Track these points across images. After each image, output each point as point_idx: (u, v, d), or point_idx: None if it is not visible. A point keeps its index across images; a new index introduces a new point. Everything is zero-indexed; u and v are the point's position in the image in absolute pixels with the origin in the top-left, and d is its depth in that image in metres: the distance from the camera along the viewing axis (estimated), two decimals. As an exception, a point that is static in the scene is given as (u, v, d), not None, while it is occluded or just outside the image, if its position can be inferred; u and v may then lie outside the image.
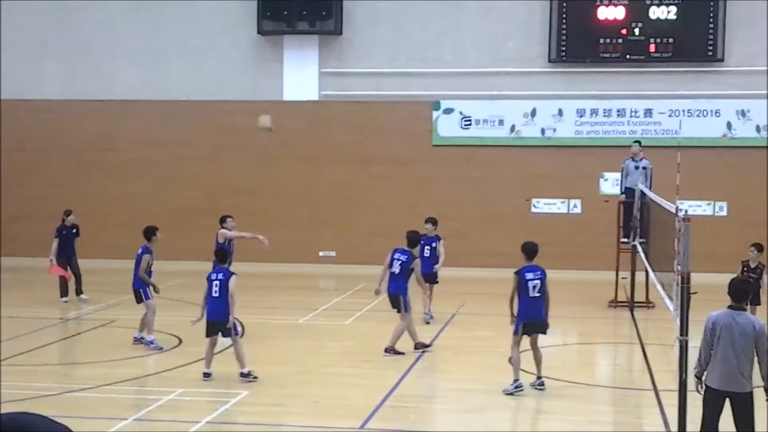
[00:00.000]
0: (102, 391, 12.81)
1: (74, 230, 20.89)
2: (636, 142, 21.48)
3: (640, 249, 19.26)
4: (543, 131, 25.49)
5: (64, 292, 20.42)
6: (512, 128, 25.59)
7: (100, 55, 27.05)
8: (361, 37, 26.13)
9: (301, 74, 26.37)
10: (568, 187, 25.44)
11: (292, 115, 26.23)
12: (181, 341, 16.12)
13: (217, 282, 13.23)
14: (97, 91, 26.93)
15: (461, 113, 25.77)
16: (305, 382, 13.48)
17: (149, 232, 15.94)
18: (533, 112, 25.48)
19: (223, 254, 13.81)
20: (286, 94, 26.40)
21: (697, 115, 24.85)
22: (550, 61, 25.31)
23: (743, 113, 24.68)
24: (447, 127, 25.85)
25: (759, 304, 14.98)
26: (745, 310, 9.13)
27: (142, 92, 26.81)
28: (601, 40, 24.89)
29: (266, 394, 12.77)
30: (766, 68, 24.34)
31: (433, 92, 25.85)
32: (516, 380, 12.81)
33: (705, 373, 9.17)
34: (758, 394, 9.08)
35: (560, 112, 25.36)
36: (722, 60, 24.60)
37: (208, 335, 13.35)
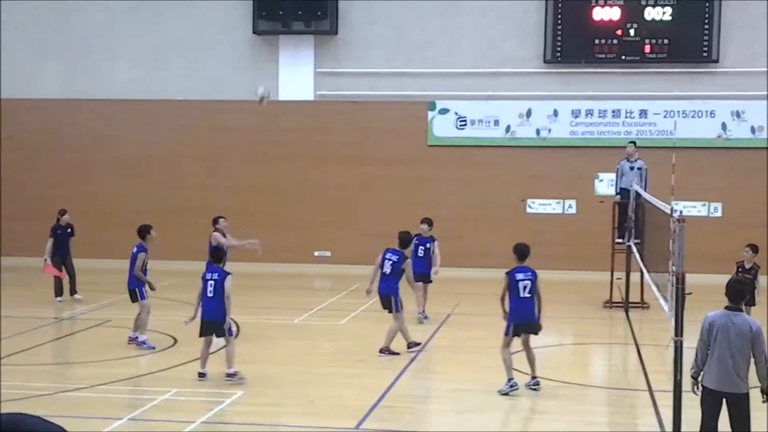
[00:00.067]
0: (97, 391, 12.80)
1: (69, 230, 20.85)
2: (631, 142, 21.52)
3: (635, 249, 19.28)
4: (538, 132, 25.50)
5: (58, 292, 20.40)
6: (507, 129, 25.61)
7: (97, 55, 27.01)
8: (356, 37, 26.13)
9: (296, 74, 26.37)
10: (563, 188, 25.47)
11: (287, 115, 26.25)
12: (176, 341, 16.10)
13: (212, 282, 13.20)
14: (94, 91, 26.90)
15: (457, 113, 25.78)
16: (300, 382, 13.48)
17: (143, 231, 15.93)
18: (528, 113, 25.49)
19: (218, 254, 13.76)
20: (282, 94, 26.38)
21: (692, 116, 24.88)
22: (545, 61, 25.33)
23: (738, 114, 24.71)
24: (442, 128, 25.86)
25: (754, 305, 14.99)
26: (741, 310, 9.14)
27: (139, 92, 26.78)
28: (597, 41, 24.91)
29: (261, 394, 12.77)
30: (761, 69, 24.40)
31: (429, 92, 25.86)
32: (510, 379, 12.83)
33: (701, 373, 9.17)
34: (755, 395, 9.09)
35: (555, 113, 25.39)
36: (717, 61, 24.64)
37: (202, 335, 13.33)
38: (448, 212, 24.65)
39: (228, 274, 13.26)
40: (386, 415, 11.94)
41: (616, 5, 24.73)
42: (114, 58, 26.95)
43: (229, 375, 13.16)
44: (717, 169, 24.75)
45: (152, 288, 15.90)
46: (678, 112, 24.89)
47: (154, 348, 15.51)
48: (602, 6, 24.81)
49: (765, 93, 24.34)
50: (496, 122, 25.65)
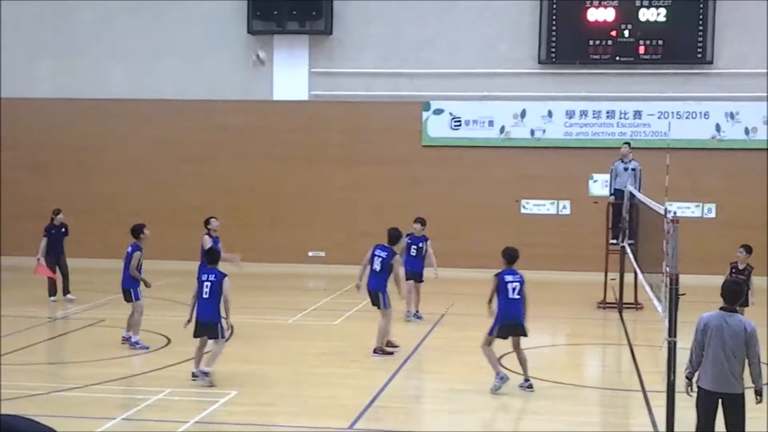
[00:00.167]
0: (90, 391, 12.78)
1: (63, 229, 20.82)
2: (625, 143, 21.54)
3: (629, 250, 19.30)
4: (532, 132, 25.52)
5: (52, 292, 20.37)
6: (502, 129, 25.62)
7: (93, 54, 26.98)
8: (351, 38, 26.13)
9: (291, 74, 26.36)
10: (558, 189, 25.49)
11: (281, 115, 26.26)
12: (169, 341, 16.09)
13: (208, 283, 13.17)
14: (90, 91, 26.87)
15: (451, 114, 25.79)
16: (294, 382, 13.49)
17: (137, 230, 15.92)
18: (523, 113, 25.51)
19: (213, 256, 13.72)
20: (276, 94, 26.40)
21: (686, 117, 24.93)
22: (539, 62, 25.35)
23: (732, 115, 24.76)
24: (437, 128, 25.87)
25: (747, 306, 15.01)
26: (736, 311, 9.15)
27: (135, 92, 26.76)
28: (591, 42, 24.94)
29: (255, 394, 12.76)
30: (755, 71, 24.46)
31: (423, 93, 25.87)
32: (497, 374, 12.86)
33: (695, 374, 9.18)
34: (748, 395, 9.10)
35: (550, 114, 25.41)
36: (711, 62, 24.69)
37: (196, 336, 13.31)
38: (443, 213, 24.64)
39: (224, 275, 13.24)
40: (380, 415, 11.95)
41: (610, 6, 24.77)
42: (110, 58, 26.92)
43: (203, 372, 12.99)
44: (711, 170, 24.79)
45: (147, 285, 15.88)
46: (672, 113, 24.93)
47: (147, 348, 15.50)
48: (597, 7, 24.84)
49: (759, 94, 24.39)
50: (491, 123, 25.66)
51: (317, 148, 26.23)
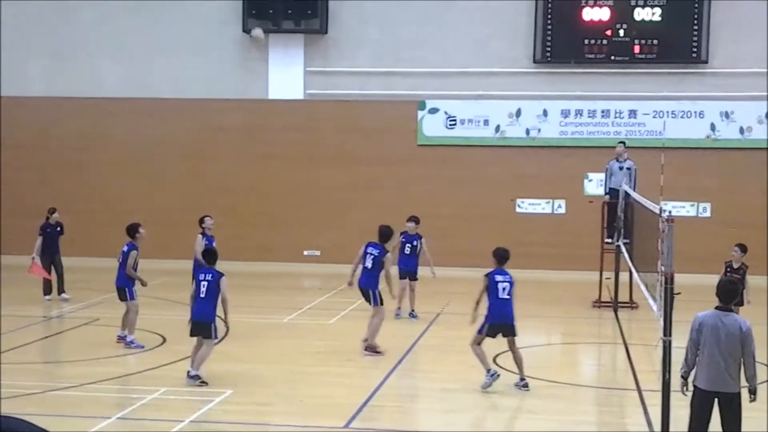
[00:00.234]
0: (85, 390, 12.76)
1: (58, 228, 20.79)
2: (620, 142, 21.57)
3: (624, 249, 19.32)
4: (528, 131, 25.53)
5: (47, 291, 20.34)
6: (497, 128, 25.63)
7: (88, 53, 26.93)
8: (346, 37, 26.12)
9: (286, 73, 26.35)
10: (553, 188, 25.50)
11: (277, 114, 26.25)
12: (165, 340, 16.08)
13: (205, 282, 13.15)
14: (84, 89, 26.83)
15: (446, 113, 25.79)
16: (289, 381, 13.49)
17: (132, 229, 15.90)
18: (518, 113, 25.52)
19: (211, 255, 13.67)
20: (272, 93, 26.38)
21: (681, 117, 24.95)
22: (535, 61, 25.36)
23: (727, 115, 24.79)
24: (432, 127, 25.87)
25: (742, 305, 15.02)
26: (732, 311, 9.16)
27: (130, 90, 26.72)
28: (586, 41, 24.95)
29: (250, 393, 12.75)
30: (749, 70, 24.49)
31: (419, 92, 25.87)
32: (488, 370, 12.88)
33: (691, 373, 9.19)
34: (744, 394, 9.11)
35: (545, 113, 25.42)
36: (706, 62, 24.71)
37: (192, 335, 13.30)
38: (438, 212, 24.67)
39: (222, 275, 13.22)
40: (376, 414, 11.96)
41: (605, 6, 24.78)
42: (106, 57, 26.87)
43: (190, 376, 12.97)
44: (706, 170, 24.82)
45: (144, 284, 15.84)
46: (667, 112, 24.95)
47: (143, 347, 15.48)
48: (592, 6, 24.85)
49: (754, 94, 24.43)
50: (486, 122, 25.67)
51: (312, 147, 26.22)
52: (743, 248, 16.15)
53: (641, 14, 24.70)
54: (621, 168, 20.72)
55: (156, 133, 26.70)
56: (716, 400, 9.02)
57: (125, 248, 15.67)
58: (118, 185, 26.72)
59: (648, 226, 13.68)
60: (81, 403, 12.17)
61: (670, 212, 10.06)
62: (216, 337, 13.30)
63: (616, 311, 19.94)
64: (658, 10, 24.62)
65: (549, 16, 25.06)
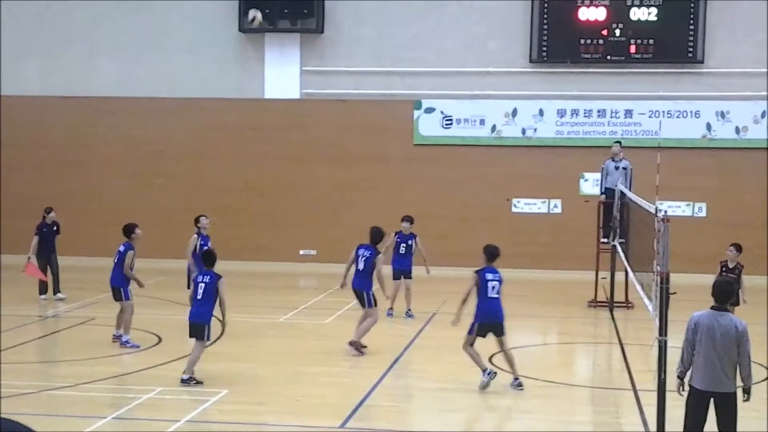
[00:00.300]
0: (81, 390, 12.75)
1: (55, 228, 20.76)
2: (616, 142, 21.58)
3: (619, 249, 19.33)
4: (524, 131, 25.54)
5: (42, 290, 20.31)
6: (493, 128, 25.63)
7: (81, 51, 26.89)
8: (342, 36, 26.11)
9: (282, 72, 26.33)
10: (549, 187, 25.51)
11: (273, 114, 26.23)
12: (160, 339, 16.07)
13: (203, 284, 13.15)
14: (78, 88, 26.80)
15: (442, 113, 25.79)
16: (285, 381, 13.48)
17: (129, 229, 15.89)
18: (514, 112, 25.53)
19: (210, 257, 13.57)
20: (268, 92, 26.36)
21: (677, 116, 24.96)
22: (531, 61, 25.36)
23: (723, 114, 24.81)
24: (428, 127, 25.87)
25: (738, 305, 15.04)
26: (727, 311, 9.16)
27: (124, 89, 26.70)
28: (582, 41, 24.96)
29: (246, 392, 12.75)
30: (745, 70, 24.52)
31: (415, 91, 25.86)
32: (484, 370, 12.87)
33: (687, 373, 9.20)
34: (738, 394, 9.12)
35: (541, 113, 25.42)
36: (702, 62, 24.73)
37: (191, 336, 13.30)
38: (434, 211, 24.68)
39: (220, 277, 13.20)
40: (371, 414, 11.96)
41: (601, 5, 24.79)
42: (100, 56, 26.84)
43: (182, 380, 12.97)
44: (702, 170, 24.84)
45: (141, 286, 15.82)
46: (663, 112, 24.97)
47: (138, 347, 15.47)
48: (588, 6, 24.86)
49: (750, 94, 24.45)
50: (482, 121, 25.67)
51: (308, 147, 26.21)
52: (738, 248, 16.17)
53: (637, 14, 24.71)
54: (617, 168, 20.73)
55: (152, 133, 26.67)
56: (712, 399, 9.03)
57: (121, 248, 15.67)
58: (114, 184, 26.69)
59: (644, 226, 13.68)
60: (76, 403, 12.16)
61: (665, 212, 10.05)
62: (208, 339, 13.26)
63: (611, 311, 19.95)
64: (654, 10, 24.63)
65: (545, 16, 25.07)
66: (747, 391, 9.08)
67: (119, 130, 26.84)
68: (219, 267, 13.58)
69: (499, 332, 13.03)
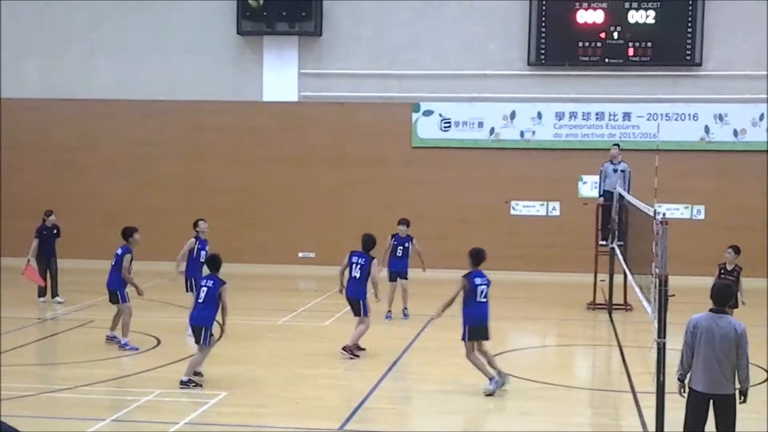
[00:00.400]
0: (80, 392, 12.75)
1: (55, 230, 20.74)
2: (615, 145, 21.59)
3: (618, 252, 19.35)
4: (522, 134, 25.54)
5: (41, 292, 20.30)
6: (491, 131, 25.64)
7: (80, 54, 26.88)
8: (340, 39, 26.11)
9: (280, 75, 26.33)
10: (547, 190, 25.51)
11: (271, 116, 26.24)
12: (159, 342, 16.07)
13: (205, 289, 13.15)
14: (77, 90, 26.79)
15: (441, 115, 25.79)
16: (284, 383, 13.48)
17: (128, 233, 15.88)
18: (512, 115, 25.53)
19: (215, 262, 13.55)
20: (266, 95, 26.36)
21: (675, 119, 24.98)
22: (529, 64, 25.37)
23: (721, 117, 24.82)
24: (426, 129, 25.87)
25: (736, 307, 15.04)
26: (726, 313, 9.16)
27: (122, 92, 26.69)
28: (581, 44, 24.97)
29: (245, 395, 12.76)
30: (743, 73, 24.54)
31: (413, 94, 25.86)
32: (491, 378, 12.87)
33: (687, 375, 9.20)
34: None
35: (539, 115, 25.43)
36: (700, 64, 24.74)
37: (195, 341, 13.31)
38: (432, 214, 24.70)
39: (224, 283, 13.19)
40: (370, 416, 11.96)
41: (599, 8, 24.81)
42: (99, 58, 26.82)
43: (182, 382, 12.95)
44: (700, 172, 24.86)
45: (140, 293, 15.80)
46: (661, 114, 24.98)
47: (137, 349, 15.46)
48: (586, 9, 24.88)
49: (747, 96, 24.47)
50: (480, 124, 25.68)
51: (307, 149, 26.21)
52: (737, 250, 16.15)
53: (635, 17, 24.74)
54: (615, 170, 20.75)
55: (151, 135, 26.66)
56: (711, 402, 9.04)
57: (119, 251, 15.66)
58: (111, 187, 26.67)
59: (642, 229, 13.70)
60: (75, 405, 12.16)
61: (664, 214, 10.07)
62: (206, 343, 13.22)
63: (610, 313, 19.95)
64: (652, 13, 24.66)
65: (543, 19, 25.09)
66: (744, 394, 9.09)
67: (117, 132, 26.83)
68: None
69: (485, 336, 13.03)
